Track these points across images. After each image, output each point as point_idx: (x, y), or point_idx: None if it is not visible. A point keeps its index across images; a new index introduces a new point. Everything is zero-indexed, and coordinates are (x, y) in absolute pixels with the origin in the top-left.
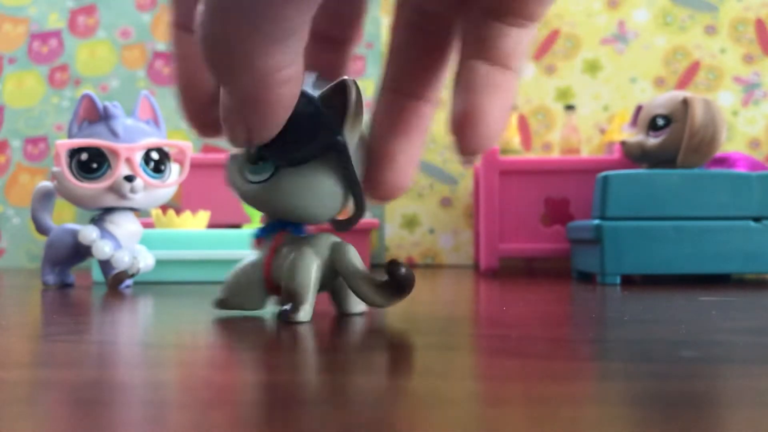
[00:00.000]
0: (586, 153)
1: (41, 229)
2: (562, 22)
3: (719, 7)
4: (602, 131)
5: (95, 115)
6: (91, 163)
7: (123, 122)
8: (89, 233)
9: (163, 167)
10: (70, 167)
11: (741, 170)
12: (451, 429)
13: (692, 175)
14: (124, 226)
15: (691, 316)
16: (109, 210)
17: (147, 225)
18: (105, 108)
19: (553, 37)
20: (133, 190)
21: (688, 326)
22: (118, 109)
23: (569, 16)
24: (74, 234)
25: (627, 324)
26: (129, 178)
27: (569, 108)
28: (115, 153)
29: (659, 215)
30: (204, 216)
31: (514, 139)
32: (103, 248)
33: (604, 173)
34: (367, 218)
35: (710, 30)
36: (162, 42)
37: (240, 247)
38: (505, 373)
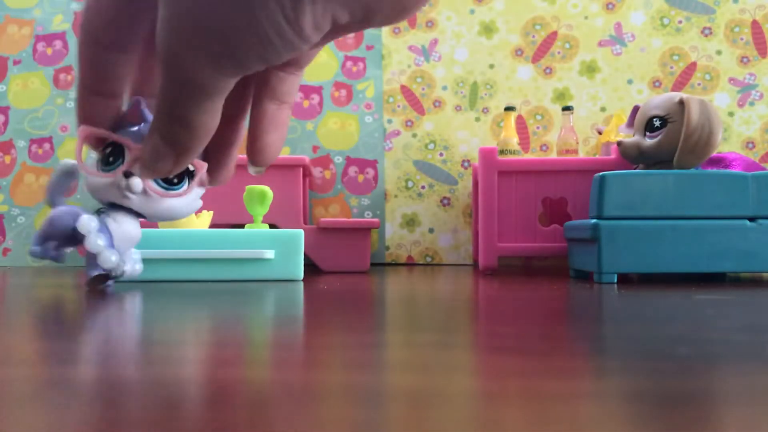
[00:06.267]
0: (583, 153)
1: (51, 202)
2: (559, 24)
3: (715, 9)
4: (599, 132)
5: (138, 119)
6: (110, 156)
7: None
8: (88, 223)
9: (177, 181)
10: (99, 159)
11: (737, 171)
12: (450, 426)
13: (688, 175)
14: (124, 226)
15: (687, 315)
16: (115, 206)
17: (150, 225)
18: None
19: (551, 39)
20: (128, 187)
21: (684, 324)
22: None
23: (567, 18)
24: (76, 218)
25: (623, 322)
26: (127, 174)
27: (567, 109)
28: (129, 149)
29: (655, 215)
30: (207, 216)
31: (513, 139)
32: (96, 241)
33: (601, 173)
34: (368, 218)
35: (706, 32)
36: None
37: (242, 246)
38: (503, 370)
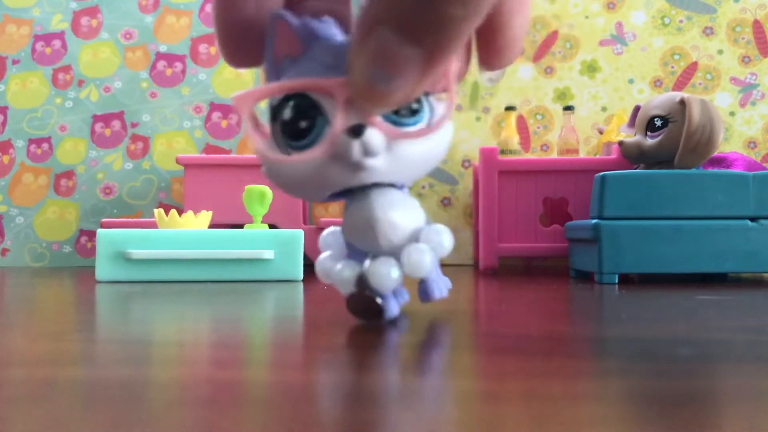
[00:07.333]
0: (584, 153)
1: None
2: (560, 23)
3: (717, 9)
4: (600, 132)
5: (296, 46)
6: (292, 125)
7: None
8: (324, 239)
9: (417, 106)
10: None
11: (738, 170)
12: (450, 426)
13: (689, 175)
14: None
15: (688, 315)
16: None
17: (150, 225)
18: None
19: (551, 38)
20: (366, 150)
21: (686, 325)
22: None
23: (568, 17)
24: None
25: (625, 322)
26: (355, 131)
27: (568, 109)
28: (327, 89)
29: (656, 215)
30: (206, 216)
31: (513, 139)
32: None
33: (601, 173)
34: None
35: (708, 31)
36: (164, 44)
37: (242, 246)
38: (504, 371)
